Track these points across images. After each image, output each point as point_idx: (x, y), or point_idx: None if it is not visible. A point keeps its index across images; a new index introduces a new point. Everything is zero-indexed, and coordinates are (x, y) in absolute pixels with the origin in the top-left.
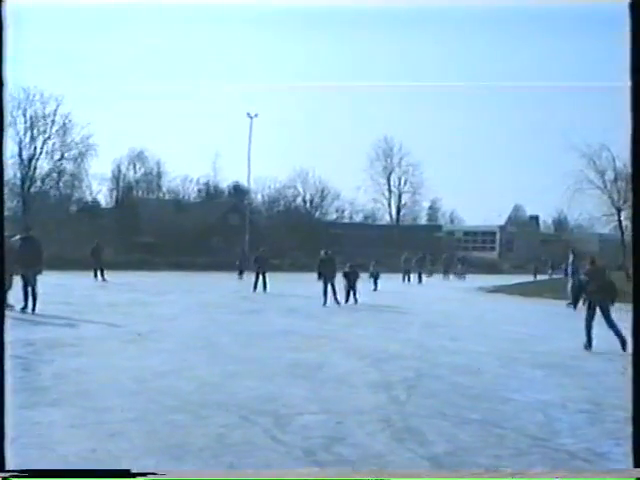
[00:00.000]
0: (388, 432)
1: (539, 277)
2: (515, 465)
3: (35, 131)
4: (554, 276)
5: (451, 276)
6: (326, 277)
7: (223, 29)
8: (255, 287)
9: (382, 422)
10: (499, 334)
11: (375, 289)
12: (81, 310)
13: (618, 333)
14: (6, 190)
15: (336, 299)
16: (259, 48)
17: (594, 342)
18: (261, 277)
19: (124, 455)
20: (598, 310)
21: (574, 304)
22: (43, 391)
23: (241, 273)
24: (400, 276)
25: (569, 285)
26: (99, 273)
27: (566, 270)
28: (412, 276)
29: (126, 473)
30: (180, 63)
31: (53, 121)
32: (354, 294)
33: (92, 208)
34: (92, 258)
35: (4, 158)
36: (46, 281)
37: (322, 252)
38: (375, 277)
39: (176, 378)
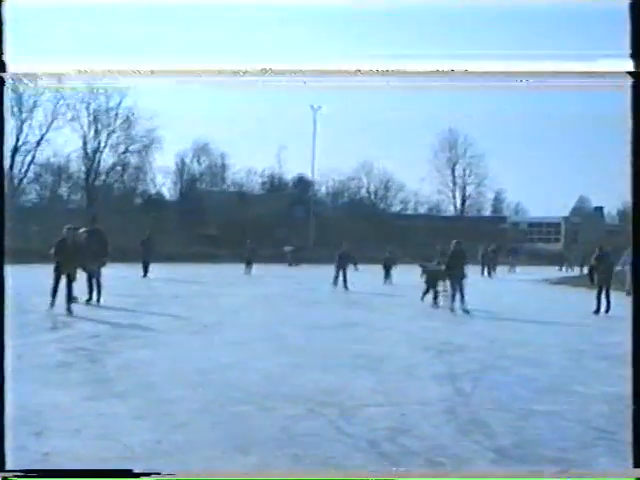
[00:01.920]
0: (453, 424)
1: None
2: (580, 458)
3: (99, 125)
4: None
5: (517, 269)
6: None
7: (282, 21)
8: (335, 282)
9: (447, 414)
10: (564, 326)
11: None
12: (145, 302)
13: None
14: (70, 183)
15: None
16: (322, 41)
17: None
18: (342, 273)
19: (189, 446)
20: None
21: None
22: (108, 383)
23: (249, 264)
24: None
25: (628, 277)
26: (146, 267)
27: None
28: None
29: (128, 473)
30: (244, 56)
31: (117, 114)
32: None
33: (156, 201)
34: (142, 249)
35: (4, 157)
36: (110, 273)
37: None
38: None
39: (241, 369)
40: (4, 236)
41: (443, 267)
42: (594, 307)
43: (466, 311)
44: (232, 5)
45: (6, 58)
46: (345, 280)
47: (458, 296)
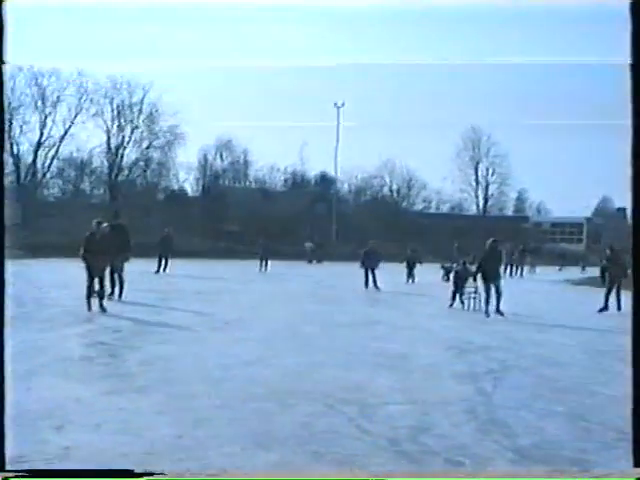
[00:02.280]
0: (473, 424)
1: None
2: (601, 459)
3: (122, 120)
4: None
5: (538, 269)
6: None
7: (307, 19)
8: (366, 284)
9: (468, 413)
10: (586, 326)
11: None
12: (168, 297)
13: None
14: (93, 178)
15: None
16: (346, 38)
17: None
18: (370, 274)
19: (210, 442)
20: None
21: None
22: (129, 378)
23: (262, 261)
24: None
25: None
26: (162, 264)
27: None
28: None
29: (129, 473)
30: (267, 53)
31: (141, 110)
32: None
33: (179, 196)
34: (159, 247)
35: (4, 156)
36: (133, 269)
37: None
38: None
39: (262, 366)
40: (4, 235)
41: (473, 267)
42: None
43: (500, 313)
44: (255, 4)
45: (6, 57)
46: (375, 280)
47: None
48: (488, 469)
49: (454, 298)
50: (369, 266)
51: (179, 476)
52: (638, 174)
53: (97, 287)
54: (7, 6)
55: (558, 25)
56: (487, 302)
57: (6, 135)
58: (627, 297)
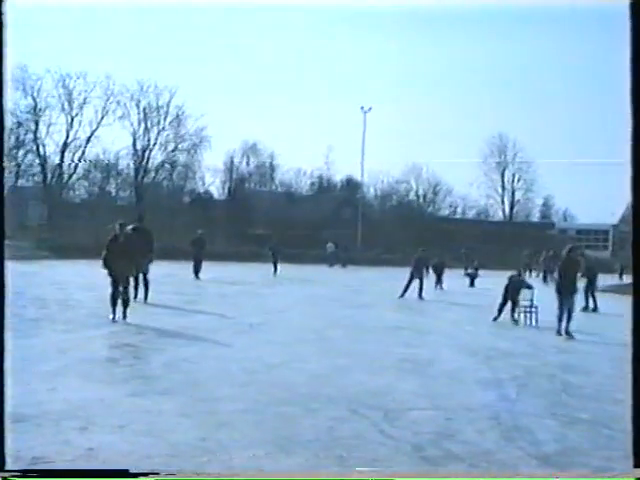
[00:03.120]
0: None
1: None
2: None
3: (149, 122)
4: None
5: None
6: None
7: (334, 22)
8: (404, 292)
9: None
10: (609, 334)
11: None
12: (193, 300)
13: None
14: (119, 180)
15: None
16: (373, 42)
17: None
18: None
19: (233, 445)
20: None
21: None
22: (153, 380)
23: (275, 265)
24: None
25: None
26: (197, 268)
27: None
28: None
29: (124, 473)
30: (295, 56)
31: (167, 112)
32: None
33: (205, 199)
34: (192, 249)
35: (4, 156)
36: (158, 271)
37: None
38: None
39: (286, 370)
40: (4, 236)
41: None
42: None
43: (570, 335)
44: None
45: (6, 57)
46: (421, 290)
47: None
48: (488, 469)
49: (501, 311)
50: (417, 275)
51: (173, 476)
52: (638, 172)
53: (122, 294)
54: (7, 5)
55: (558, 25)
56: (560, 319)
57: (32, 136)
58: None
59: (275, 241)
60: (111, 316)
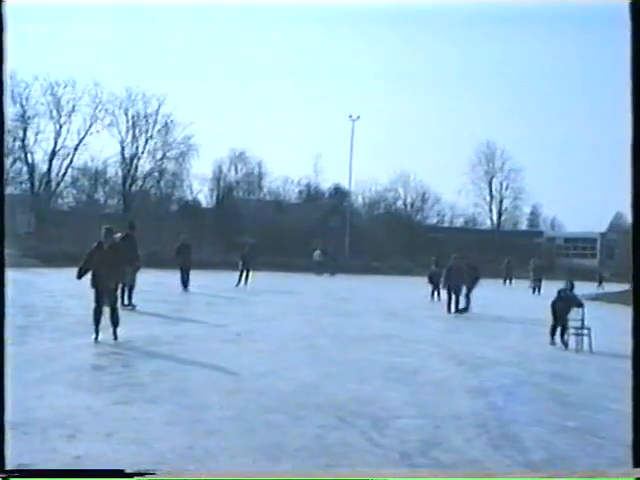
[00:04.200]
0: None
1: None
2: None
3: (137, 130)
4: None
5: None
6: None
7: (322, 30)
8: (449, 308)
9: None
10: (598, 342)
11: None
12: (180, 308)
13: None
14: (107, 188)
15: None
16: (359, 49)
17: None
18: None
19: (221, 453)
20: None
21: None
22: (141, 387)
23: (242, 273)
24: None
25: None
26: (185, 279)
27: None
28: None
29: (120, 473)
30: (284, 64)
31: (155, 121)
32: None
33: (192, 207)
34: (177, 258)
35: (4, 157)
36: (145, 279)
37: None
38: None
39: (274, 378)
40: (4, 240)
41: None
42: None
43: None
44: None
45: (7, 58)
46: (457, 303)
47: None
48: (488, 469)
49: (554, 334)
50: (453, 287)
51: (171, 476)
52: (638, 173)
53: (109, 312)
54: (7, 7)
55: (558, 25)
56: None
57: (20, 144)
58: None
59: (248, 249)
60: (93, 336)
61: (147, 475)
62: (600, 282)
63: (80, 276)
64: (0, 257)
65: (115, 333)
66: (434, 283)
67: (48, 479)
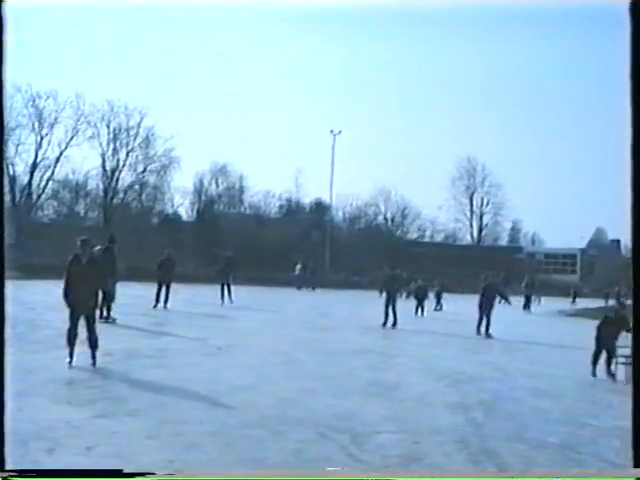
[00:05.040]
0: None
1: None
2: None
3: (118, 143)
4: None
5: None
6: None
7: (304, 45)
8: (479, 327)
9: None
10: (578, 358)
11: (438, 309)
12: (160, 322)
13: None
14: (88, 201)
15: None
16: (340, 64)
17: None
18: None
19: (201, 467)
20: None
21: None
22: (121, 401)
23: (223, 289)
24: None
25: None
26: (163, 292)
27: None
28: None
29: (118, 473)
30: (265, 78)
31: (137, 133)
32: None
33: (173, 221)
34: (159, 272)
35: (4, 159)
36: (126, 292)
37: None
38: (438, 296)
39: (253, 392)
40: (4, 249)
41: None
42: None
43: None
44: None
45: (6, 60)
46: (488, 325)
47: None
48: (488, 469)
49: (596, 362)
50: (486, 307)
51: (171, 476)
52: (638, 173)
53: (86, 333)
54: (7, 7)
55: (558, 25)
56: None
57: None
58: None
59: (226, 260)
60: (67, 359)
61: (147, 475)
62: (574, 298)
63: (68, 296)
64: (0, 257)
65: (94, 357)
66: (419, 298)
67: (48, 479)
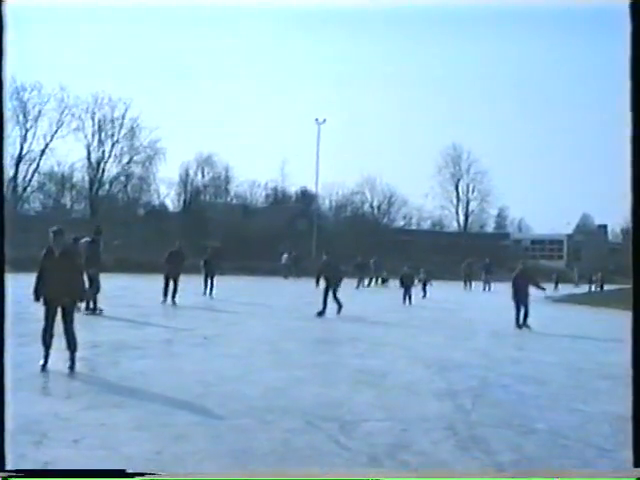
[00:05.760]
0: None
1: (607, 287)
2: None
3: (103, 134)
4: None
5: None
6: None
7: (289, 34)
8: (517, 321)
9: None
10: (564, 344)
11: (424, 296)
12: (147, 313)
13: None
14: (74, 193)
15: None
16: (326, 53)
17: None
18: None
19: (189, 458)
20: None
21: None
22: (108, 393)
23: (207, 280)
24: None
25: None
26: (170, 287)
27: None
28: (474, 284)
29: (121, 473)
30: (250, 67)
31: (122, 125)
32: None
33: (159, 212)
34: (167, 265)
35: (4, 158)
36: (113, 284)
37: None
38: (424, 284)
39: (241, 382)
40: (4, 244)
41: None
42: None
43: None
44: (238, 13)
45: (6, 59)
46: (526, 316)
47: None
48: (488, 469)
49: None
50: (522, 297)
51: (171, 476)
52: (638, 173)
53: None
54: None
55: (558, 25)
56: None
57: None
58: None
59: (211, 252)
60: (41, 362)
61: (147, 475)
62: (556, 284)
63: (38, 297)
64: (0, 257)
65: (73, 360)
66: (406, 286)
67: (48, 479)
